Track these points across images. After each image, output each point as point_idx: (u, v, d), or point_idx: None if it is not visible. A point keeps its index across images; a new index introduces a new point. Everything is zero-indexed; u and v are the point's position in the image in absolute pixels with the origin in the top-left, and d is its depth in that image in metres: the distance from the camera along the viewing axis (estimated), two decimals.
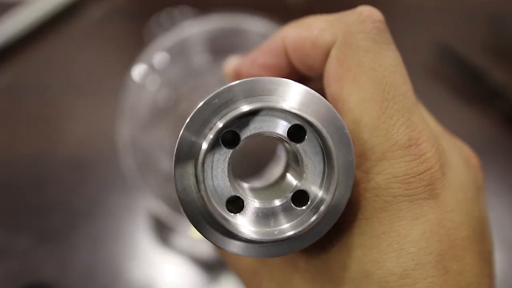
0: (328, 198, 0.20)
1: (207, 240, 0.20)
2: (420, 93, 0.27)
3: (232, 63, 0.31)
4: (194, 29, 0.54)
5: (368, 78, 0.22)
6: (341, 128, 0.20)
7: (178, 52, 0.53)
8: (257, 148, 0.47)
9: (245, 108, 0.19)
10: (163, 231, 0.51)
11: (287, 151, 0.23)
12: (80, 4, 0.67)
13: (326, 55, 0.24)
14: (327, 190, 0.20)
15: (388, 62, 0.22)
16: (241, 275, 0.26)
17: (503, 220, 0.52)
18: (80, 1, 0.67)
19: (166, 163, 0.50)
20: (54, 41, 0.64)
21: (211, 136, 0.19)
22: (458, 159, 0.24)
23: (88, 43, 0.65)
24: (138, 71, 0.51)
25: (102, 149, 0.55)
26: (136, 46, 0.55)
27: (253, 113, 0.20)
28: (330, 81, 0.23)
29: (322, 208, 0.20)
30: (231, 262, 0.27)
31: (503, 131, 0.57)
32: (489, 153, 0.55)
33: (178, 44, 0.53)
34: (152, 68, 0.52)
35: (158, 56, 0.52)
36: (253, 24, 0.53)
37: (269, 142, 0.46)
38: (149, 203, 0.50)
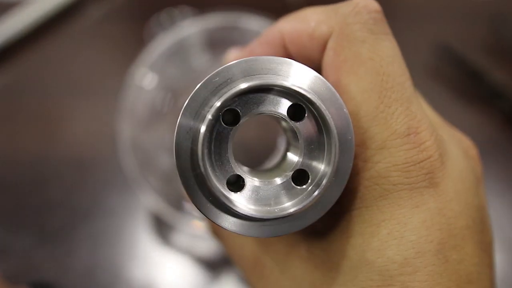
0: (329, 172, 0.20)
1: (208, 219, 0.20)
2: (420, 93, 0.27)
3: (231, 55, 0.31)
4: (193, 28, 0.54)
5: (366, 69, 0.22)
6: (340, 106, 0.20)
7: (177, 52, 0.53)
8: (258, 147, 0.47)
9: (243, 85, 0.19)
10: (163, 231, 0.51)
11: (287, 130, 0.23)
12: (80, 4, 0.67)
13: (324, 46, 0.24)
14: (328, 164, 0.20)
15: (385, 52, 0.22)
16: (243, 265, 0.26)
17: (503, 220, 0.52)
18: (80, 1, 0.67)
19: (167, 162, 0.50)
20: (54, 41, 0.64)
21: (210, 116, 0.19)
22: (457, 149, 0.24)
23: (88, 43, 0.65)
24: (137, 70, 0.51)
25: (102, 149, 0.55)
26: (136, 46, 0.55)
27: (252, 91, 0.20)
28: (328, 72, 0.23)
29: (324, 182, 0.20)
30: (233, 252, 0.27)
31: (503, 131, 0.57)
32: (489, 153, 0.55)
33: (177, 43, 0.53)
34: (151, 67, 0.52)
35: (158, 55, 0.52)
36: (252, 23, 0.53)
37: (270, 139, 0.46)
38: (149, 202, 0.50)
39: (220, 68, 0.20)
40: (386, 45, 0.22)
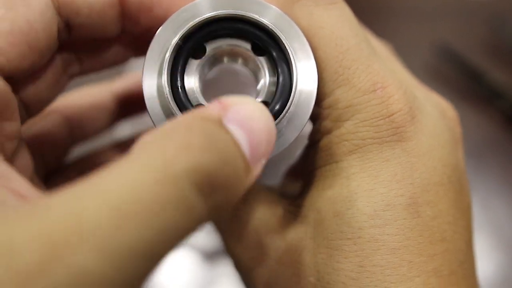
0: (288, 103, 0.20)
1: None
2: None
3: None
4: None
5: (318, 38, 0.22)
6: (302, 41, 0.21)
7: None
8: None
9: (208, 15, 0.20)
10: None
11: (251, 65, 0.24)
12: None
13: None
14: (284, 98, 0.21)
15: (334, 19, 0.22)
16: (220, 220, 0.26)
17: (503, 220, 0.52)
18: None
19: None
20: None
21: (171, 49, 0.20)
22: (432, 107, 0.24)
23: None
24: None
25: None
26: None
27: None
28: None
29: (283, 112, 0.20)
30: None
31: (503, 131, 0.57)
32: (489, 153, 0.55)
33: None
34: None
35: None
36: None
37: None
38: None
39: (187, 6, 0.21)
40: (334, 13, 0.23)
